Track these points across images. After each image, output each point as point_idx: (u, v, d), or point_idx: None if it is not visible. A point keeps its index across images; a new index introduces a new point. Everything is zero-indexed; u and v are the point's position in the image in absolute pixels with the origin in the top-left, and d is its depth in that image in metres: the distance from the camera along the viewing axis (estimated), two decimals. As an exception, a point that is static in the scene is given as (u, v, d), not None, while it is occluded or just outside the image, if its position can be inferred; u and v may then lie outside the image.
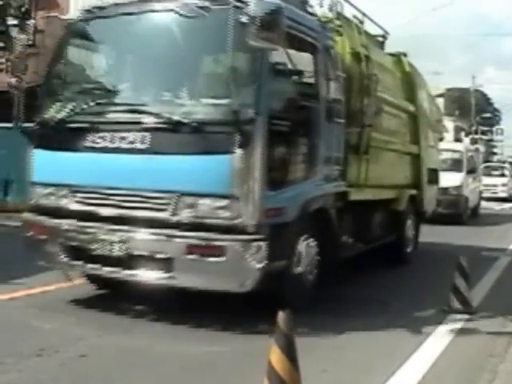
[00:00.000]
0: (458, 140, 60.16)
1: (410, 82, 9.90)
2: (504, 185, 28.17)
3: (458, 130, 66.43)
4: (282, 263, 5.99)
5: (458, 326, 6.06)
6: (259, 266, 5.57)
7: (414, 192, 9.95)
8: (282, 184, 6.03)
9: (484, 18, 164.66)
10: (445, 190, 16.11)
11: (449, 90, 70.82)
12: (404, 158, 9.69)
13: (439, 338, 5.64)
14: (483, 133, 71.46)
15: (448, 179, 16.25)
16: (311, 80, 6.63)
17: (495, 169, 30.49)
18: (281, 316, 3.39)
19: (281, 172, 6.05)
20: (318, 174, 6.63)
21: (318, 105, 6.60)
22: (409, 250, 9.86)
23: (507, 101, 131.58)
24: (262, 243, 5.60)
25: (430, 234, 12.48)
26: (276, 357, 3.32)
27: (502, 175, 29.09)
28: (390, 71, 9.22)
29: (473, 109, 65.33)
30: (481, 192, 20.26)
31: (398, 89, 9.47)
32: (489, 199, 25.76)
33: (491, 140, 79.99)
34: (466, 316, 6.33)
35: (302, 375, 3.41)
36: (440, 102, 61.38)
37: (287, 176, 6.16)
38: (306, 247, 6.40)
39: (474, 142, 65.91)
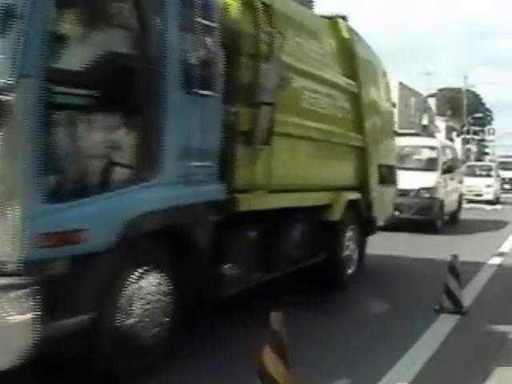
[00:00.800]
0: (450, 140, 59.20)
1: (349, 53, 7.35)
2: (489, 186, 24.28)
3: (449, 129, 65.43)
4: (83, 318, 3.62)
5: (450, 325, 5.78)
6: (27, 326, 3.25)
7: (355, 196, 7.46)
8: (81, 190, 3.59)
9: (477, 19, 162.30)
10: (416, 193, 13.73)
11: (441, 90, 70.07)
12: (340, 152, 7.18)
13: (431, 338, 5.35)
14: (475, 133, 71.44)
15: (420, 180, 13.86)
16: (148, 30, 4.10)
17: (480, 168, 26.68)
18: (273, 316, 3.28)
19: (77, 171, 3.62)
20: (163, 173, 4.13)
21: (160, 67, 4.08)
22: (349, 271, 7.39)
23: (499, 101, 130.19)
24: (31, 290, 3.27)
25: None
26: (269, 357, 3.23)
27: (488, 175, 25.25)
28: (315, 35, 6.64)
29: (464, 109, 64.00)
30: (461, 195, 17.40)
31: (330, 60, 7.00)
32: (472, 202, 22.57)
33: (483, 140, 79.37)
34: (458, 316, 6.06)
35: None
36: (432, 102, 60.67)
37: (91, 177, 3.71)
38: (144, 287, 4.04)
39: (465, 141, 65.45)
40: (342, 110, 7.20)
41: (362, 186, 7.75)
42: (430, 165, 14.69)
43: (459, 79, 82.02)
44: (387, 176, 8.72)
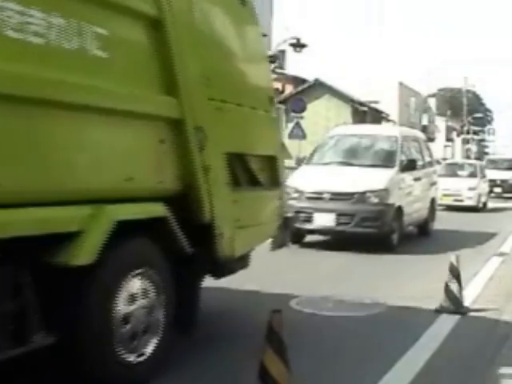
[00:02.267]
0: (449, 140, 56.35)
1: None
2: (471, 189, 18.59)
3: (449, 129, 63.20)
4: None
5: (450, 326, 5.49)
6: None
7: (149, 211, 3.80)
8: None
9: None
10: (360, 197, 9.76)
11: (441, 90, 67.98)
12: (100, 125, 3.51)
13: (431, 339, 5.10)
14: (475, 133, 69.52)
15: (367, 180, 9.93)
16: None
17: (461, 168, 20.79)
18: (273, 317, 3.15)
19: None
20: None
21: None
22: (139, 356, 3.69)
23: (499, 101, 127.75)
24: None
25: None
26: (269, 358, 3.13)
27: (472, 175, 19.70)
28: None
29: (465, 109, 62.84)
30: (434, 200, 12.93)
31: None
32: (450, 208, 17.93)
33: (483, 140, 78.18)
34: (458, 316, 5.76)
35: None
36: (432, 102, 58.92)
37: None
38: None
39: (465, 141, 62.94)
40: (108, 46, 3.56)
41: (186, 193, 4.20)
42: (384, 160, 10.66)
43: (459, 79, 79.90)
44: (260, 173, 5.16)
